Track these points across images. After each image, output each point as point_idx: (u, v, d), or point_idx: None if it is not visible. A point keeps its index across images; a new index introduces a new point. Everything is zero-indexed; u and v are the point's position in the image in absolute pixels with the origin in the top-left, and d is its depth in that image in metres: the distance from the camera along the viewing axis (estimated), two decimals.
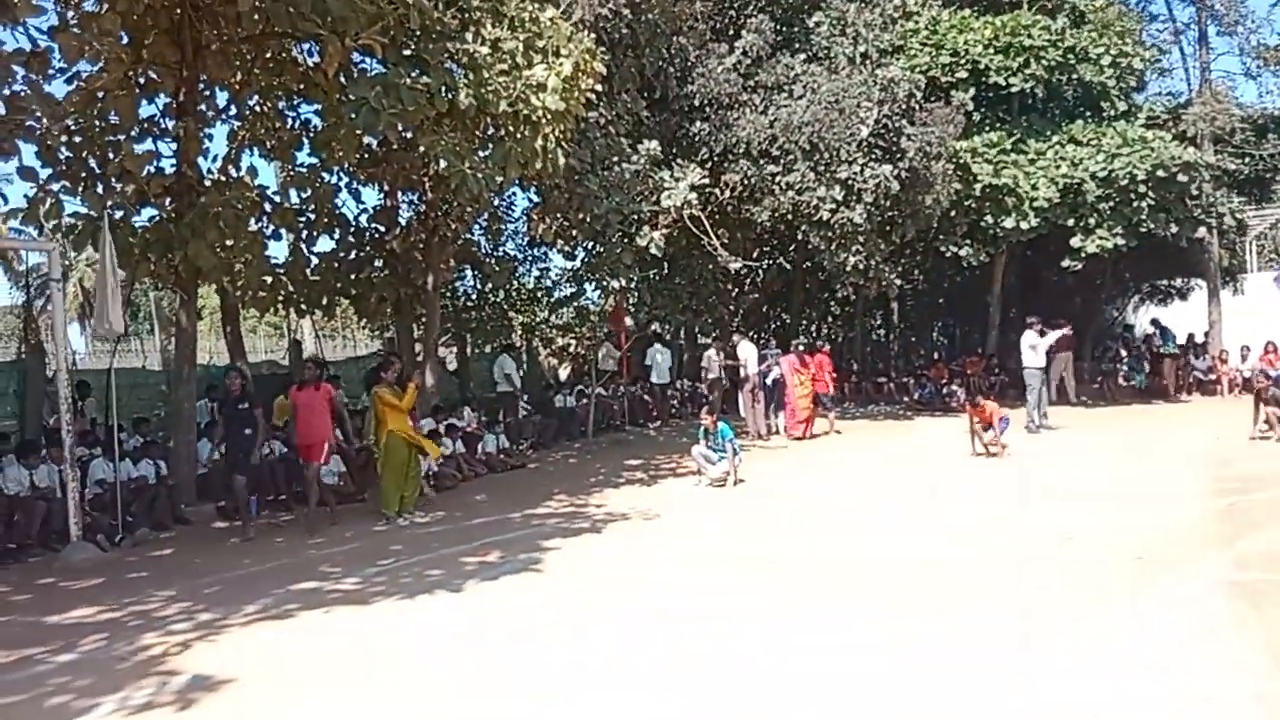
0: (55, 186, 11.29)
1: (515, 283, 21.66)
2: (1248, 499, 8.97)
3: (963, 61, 18.46)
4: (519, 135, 9.78)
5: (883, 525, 8.77)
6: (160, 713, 4.84)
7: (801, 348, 17.51)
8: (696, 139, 16.93)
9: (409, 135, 10.36)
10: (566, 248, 17.74)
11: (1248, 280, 28.19)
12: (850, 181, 15.98)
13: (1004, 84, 18.43)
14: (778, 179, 16.76)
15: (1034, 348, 15.31)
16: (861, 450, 14.60)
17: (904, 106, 16.30)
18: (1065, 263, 18.48)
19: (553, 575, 7.33)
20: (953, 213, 17.98)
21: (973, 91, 17.87)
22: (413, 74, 9.59)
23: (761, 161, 16.91)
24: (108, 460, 10.34)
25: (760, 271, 25.71)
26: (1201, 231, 19.06)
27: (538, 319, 23.84)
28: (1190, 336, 22.74)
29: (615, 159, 13.16)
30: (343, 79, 10.20)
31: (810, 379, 16.68)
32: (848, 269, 17.01)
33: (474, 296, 20.99)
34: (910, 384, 22.12)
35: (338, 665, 5.49)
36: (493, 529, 9.35)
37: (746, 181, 17.06)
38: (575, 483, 12.17)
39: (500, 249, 20.53)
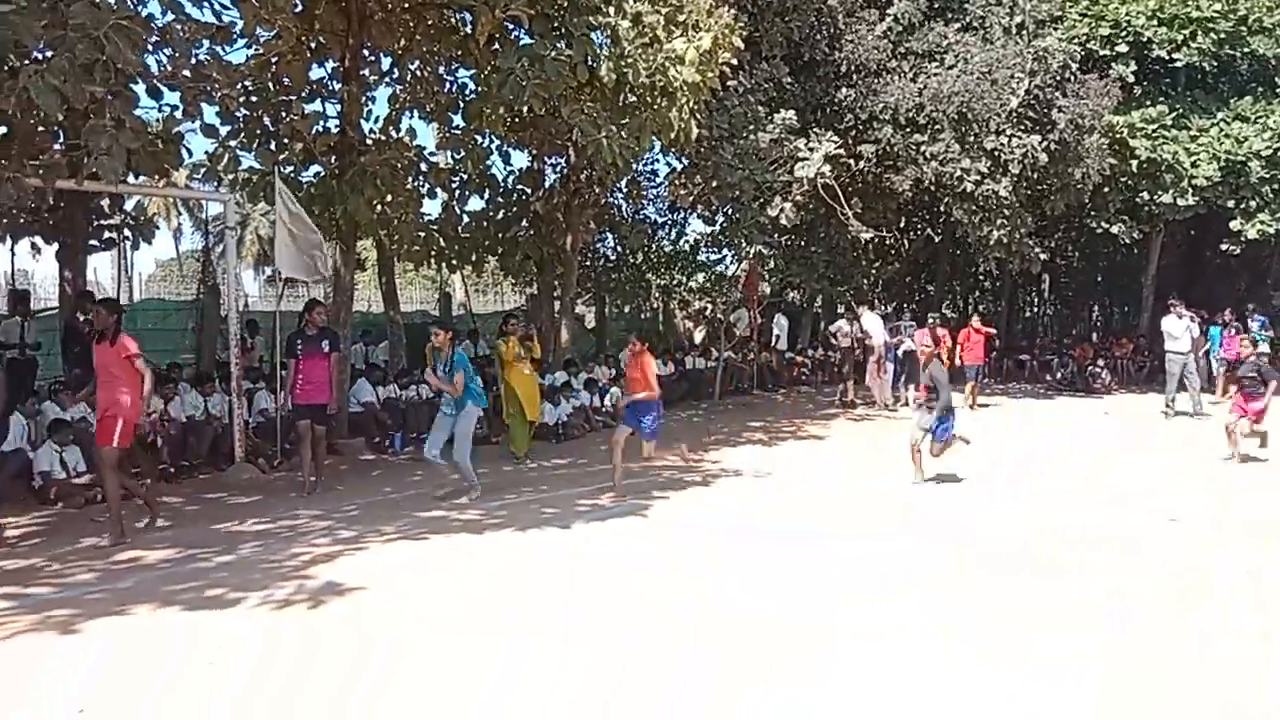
0: (233, 143, 12.47)
1: (653, 246, 22.10)
2: None
3: (1124, 33, 17.65)
4: (654, 106, 10.16)
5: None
6: (295, 609, 5.57)
7: (937, 321, 17.37)
8: (841, 105, 16.90)
9: (552, 104, 10.87)
10: (706, 213, 18.09)
11: None
12: (996, 153, 15.67)
13: (1167, 57, 17.53)
14: (922, 148, 16.56)
15: (1172, 332, 14.71)
16: (990, 424, 14.42)
17: (1057, 78, 15.80)
18: (1224, 245, 17.56)
19: (655, 520, 7.82)
20: (1106, 188, 17.37)
21: (1133, 65, 17.11)
22: (558, 45, 10.10)
23: (907, 130, 16.74)
24: (270, 392, 11.43)
25: (906, 241, 25.37)
26: None
27: (675, 282, 24.27)
28: None
29: (751, 127, 13.35)
30: (496, 47, 10.85)
31: (946, 352, 16.60)
32: (990, 243, 16.71)
33: (613, 258, 21.60)
34: (1054, 363, 21.50)
35: (450, 581, 6.15)
36: (610, 477, 9.90)
37: (889, 149, 16.92)
38: (695, 439, 12.61)
39: (640, 213, 21.02)
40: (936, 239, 23.81)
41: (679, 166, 17.62)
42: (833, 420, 15.05)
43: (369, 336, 16.94)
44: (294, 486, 9.30)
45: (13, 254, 14.03)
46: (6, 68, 7.35)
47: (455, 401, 8.66)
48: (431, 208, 19.43)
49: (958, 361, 16.97)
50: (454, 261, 18.26)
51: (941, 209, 17.97)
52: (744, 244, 15.70)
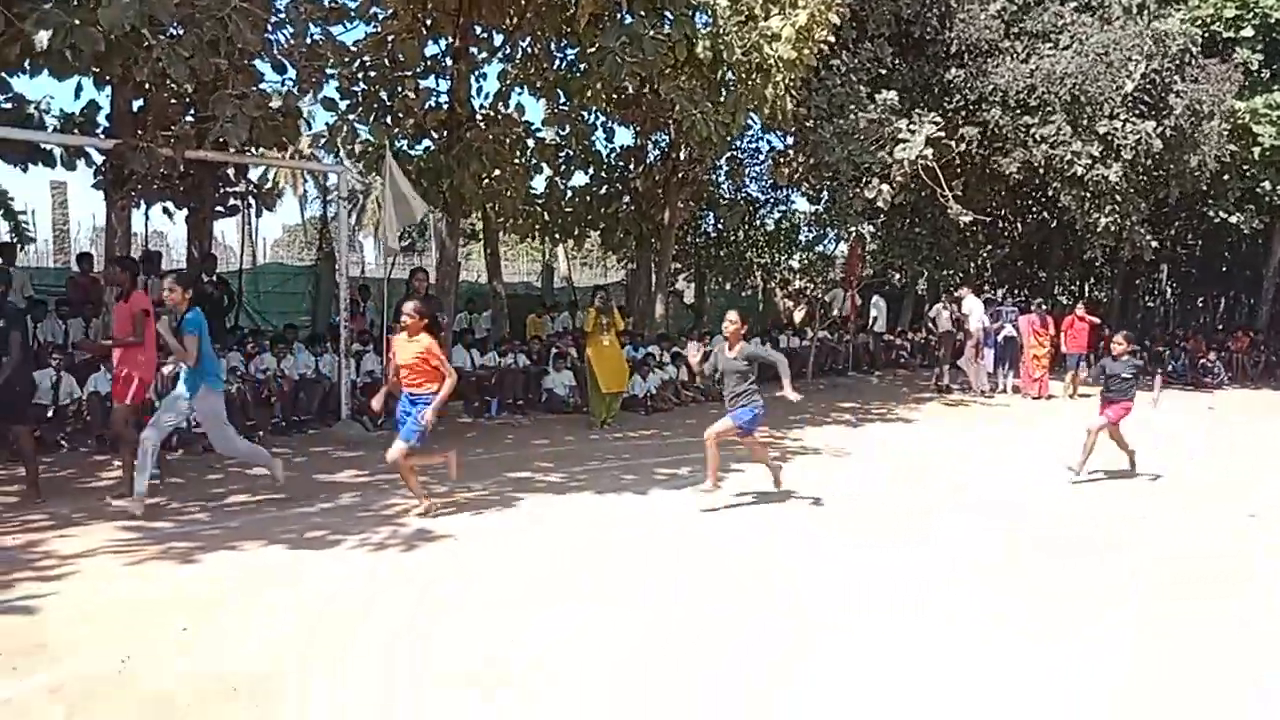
0: (351, 117, 13.11)
1: (754, 224, 22.14)
2: None
3: (1250, 16, 16.83)
4: (749, 83, 10.30)
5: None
6: (389, 552, 6.05)
7: (1044, 307, 17.06)
8: (949, 85, 16.65)
9: (651, 81, 11.11)
10: (810, 192, 18.08)
11: None
12: (1109, 137, 15.24)
13: None
14: (1032, 130, 16.21)
15: None
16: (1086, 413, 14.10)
17: (1176, 61, 15.24)
18: None
19: (726, 491, 8.05)
20: (1225, 176, 16.68)
21: (1260, 49, 16.33)
22: (656, 24, 10.33)
23: (1016, 111, 16.40)
24: (378, 355, 12.05)
25: (1020, 225, 24.78)
26: None
27: (776, 261, 24.27)
28: None
29: (852, 107, 13.32)
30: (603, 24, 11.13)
31: (1050, 339, 16.33)
32: (1099, 229, 16.28)
33: (714, 235, 21.74)
34: (1165, 354, 20.77)
35: (530, 534, 6.55)
36: (692, 448, 10.13)
37: (997, 131, 16.60)
38: (781, 417, 12.74)
39: (743, 191, 21.09)
40: (1051, 224, 23.19)
41: (781, 145, 17.68)
42: (925, 404, 14.97)
43: (474, 305, 17.54)
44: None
45: (147, 218, 15.01)
46: (145, 44, 7.99)
47: (188, 383, 7.33)
48: (537, 182, 20.01)
49: (1062, 349, 16.67)
50: (557, 235, 18.74)
51: (1050, 193, 17.52)
52: (840, 226, 15.66)
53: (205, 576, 5.47)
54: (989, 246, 23.55)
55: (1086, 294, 27.22)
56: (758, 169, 20.02)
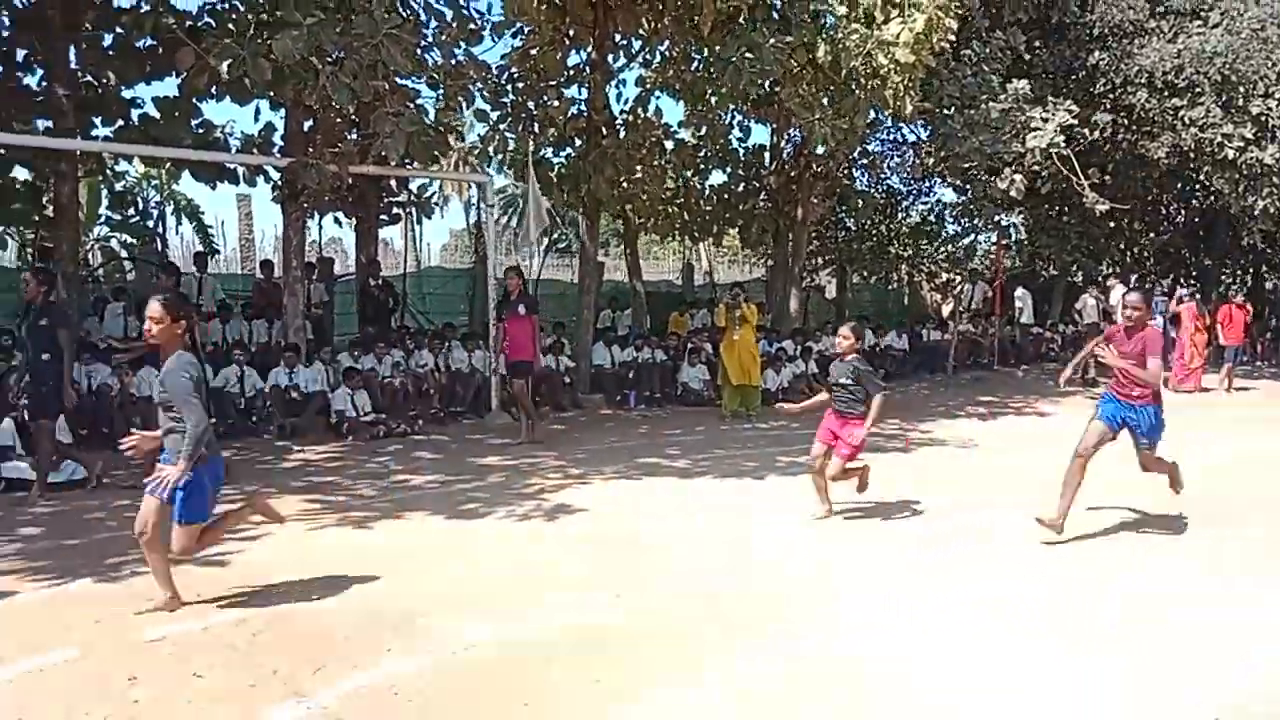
0: (502, 127, 14.08)
1: (894, 216, 22.06)
2: None
3: None
4: (868, 87, 10.57)
5: None
6: (533, 522, 6.78)
7: (1199, 297, 16.47)
8: (1093, 69, 16.27)
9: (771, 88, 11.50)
10: (955, 183, 17.98)
11: None
12: (1263, 118, 14.62)
13: None
14: (1180, 113, 15.69)
15: None
16: (1239, 414, 13.64)
17: None
18: None
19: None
20: None
21: None
22: (779, 32, 10.74)
23: (1163, 93, 15.90)
24: None
25: (1184, 211, 23.74)
26: None
27: (921, 253, 24.07)
28: None
29: (984, 97, 13.30)
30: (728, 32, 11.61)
31: (1206, 330, 15.78)
32: (1255, 213, 15.60)
33: (855, 229, 21.79)
34: None
35: (657, 510, 7.14)
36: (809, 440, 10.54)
37: (1143, 114, 16.13)
38: (913, 410, 12.91)
39: (883, 183, 21.07)
40: (1211, 209, 22.13)
41: (919, 137, 17.66)
42: (1067, 397, 14.67)
43: (616, 303, 18.28)
44: (539, 432, 10.59)
45: (320, 226, 16.50)
46: (313, 70, 9.02)
47: None
48: (674, 182, 20.61)
49: (1220, 341, 16.04)
50: (695, 233, 19.28)
51: (1200, 177, 16.87)
52: (982, 215, 15.60)
53: (374, 538, 6.33)
54: (1149, 234, 22.66)
55: (1250, 282, 25.77)
56: (899, 160, 19.99)
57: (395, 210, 16.19)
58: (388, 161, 10.52)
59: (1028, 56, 15.15)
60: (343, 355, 11.81)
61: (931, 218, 22.52)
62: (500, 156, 14.64)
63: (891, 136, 19.35)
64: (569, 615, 4.80)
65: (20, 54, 11.47)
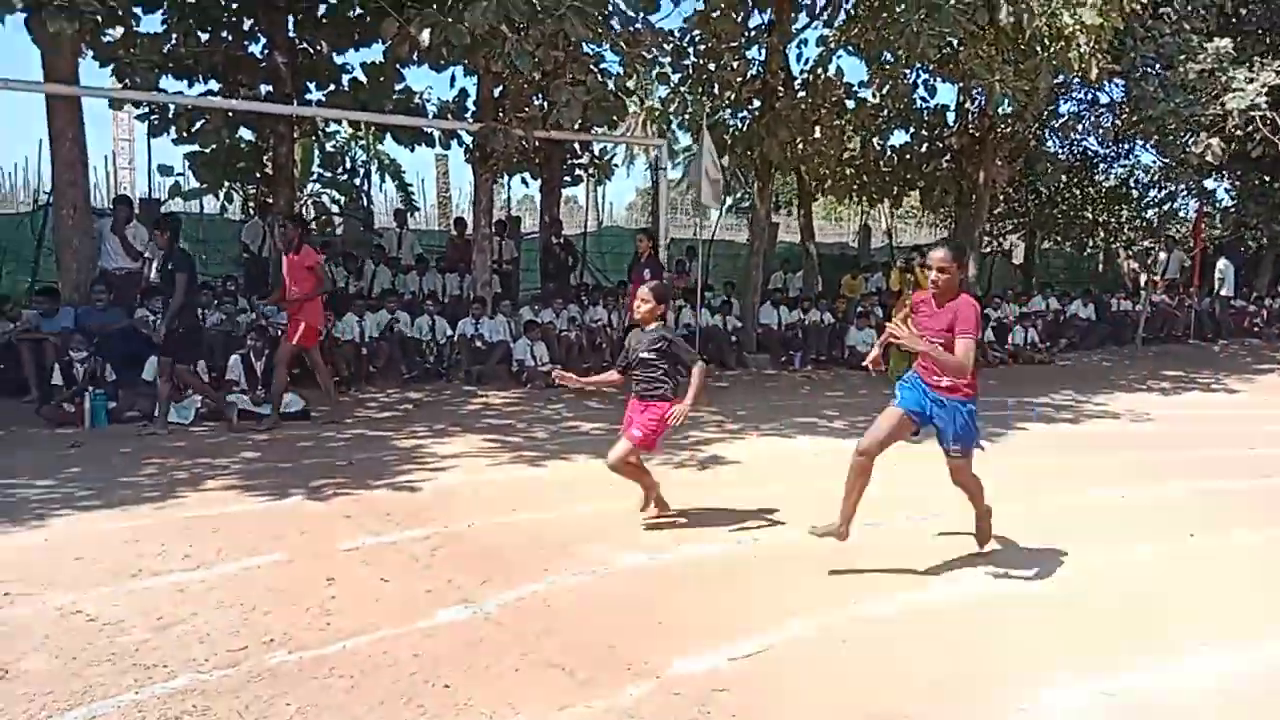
0: (683, 89, 14.40)
1: (1091, 180, 21.04)
2: None
3: None
4: (1051, 49, 10.24)
5: None
6: (687, 470, 7.21)
7: None
8: None
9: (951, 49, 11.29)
10: (1151, 146, 17.05)
11: None
12: None
13: None
14: None
15: None
16: None
17: None
18: None
19: (1001, 447, 8.38)
20: None
21: None
22: None
23: None
24: (693, 310, 13.34)
25: None
26: None
27: (1119, 219, 22.89)
28: None
29: (1182, 57, 12.55)
30: None
31: None
32: None
33: (1045, 193, 20.93)
34: None
35: (806, 466, 7.44)
36: (983, 407, 10.42)
37: None
38: (1090, 383, 12.53)
39: (1076, 145, 20.12)
40: None
41: (1113, 98, 16.80)
42: (1264, 375, 13.84)
43: (788, 265, 18.40)
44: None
45: (508, 187, 17.42)
46: (501, 38, 9.63)
47: None
48: (854, 143, 20.37)
49: None
50: (874, 195, 19.08)
51: None
52: (1179, 181, 14.74)
53: (543, 475, 6.94)
54: None
55: None
56: (1093, 121, 19.03)
57: (577, 172, 16.89)
58: (570, 126, 11.06)
59: (1235, 12, 14.08)
60: (524, 309, 12.59)
61: (1130, 182, 21.37)
62: (681, 118, 14.98)
63: (1087, 96, 18.42)
64: (706, 549, 5.21)
65: (246, 24, 12.77)
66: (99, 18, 9.56)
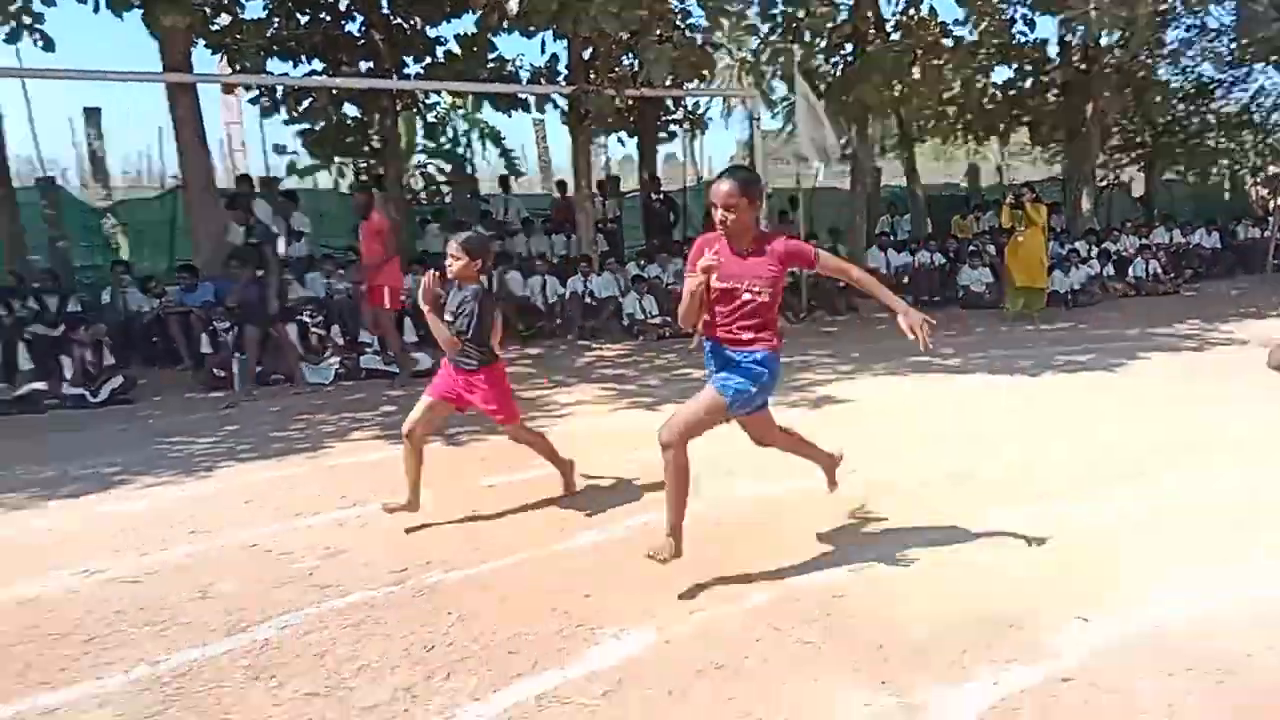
0: (774, 38, 14.33)
1: (1210, 107, 20.10)
2: None
3: None
4: None
5: None
6: (798, 410, 7.35)
7: None
8: None
9: None
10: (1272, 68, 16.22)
11: None
12: None
13: None
14: None
15: None
16: None
17: None
18: None
19: (1123, 375, 8.28)
20: None
21: None
22: None
23: None
24: None
25: None
26: None
27: (1243, 145, 21.83)
28: None
29: None
30: None
31: None
32: None
33: (1163, 122, 20.09)
34: None
35: (920, 401, 7.54)
36: (1103, 339, 10.30)
37: None
38: (1215, 310, 12.16)
39: (1191, 73, 19.22)
40: None
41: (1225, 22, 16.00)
42: None
43: (895, 209, 18.18)
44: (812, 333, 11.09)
45: (606, 147, 17.67)
46: (586, 2, 9.82)
47: None
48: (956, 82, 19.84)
49: None
50: (978, 134, 18.66)
51: None
52: None
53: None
54: None
55: None
56: (1206, 47, 18.12)
57: (672, 128, 17.01)
58: (660, 83, 11.18)
59: None
60: (630, 265, 12.87)
61: (1252, 107, 20.30)
62: (774, 68, 14.89)
63: (1196, 22, 17.53)
64: (813, 482, 5.41)
65: (342, 4, 13.28)
66: (206, 8, 10.15)
